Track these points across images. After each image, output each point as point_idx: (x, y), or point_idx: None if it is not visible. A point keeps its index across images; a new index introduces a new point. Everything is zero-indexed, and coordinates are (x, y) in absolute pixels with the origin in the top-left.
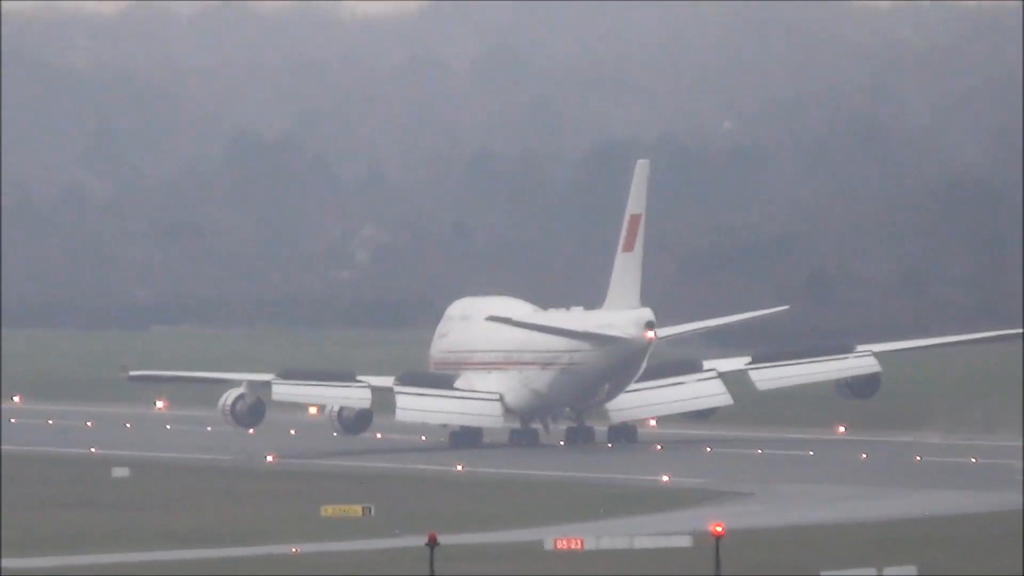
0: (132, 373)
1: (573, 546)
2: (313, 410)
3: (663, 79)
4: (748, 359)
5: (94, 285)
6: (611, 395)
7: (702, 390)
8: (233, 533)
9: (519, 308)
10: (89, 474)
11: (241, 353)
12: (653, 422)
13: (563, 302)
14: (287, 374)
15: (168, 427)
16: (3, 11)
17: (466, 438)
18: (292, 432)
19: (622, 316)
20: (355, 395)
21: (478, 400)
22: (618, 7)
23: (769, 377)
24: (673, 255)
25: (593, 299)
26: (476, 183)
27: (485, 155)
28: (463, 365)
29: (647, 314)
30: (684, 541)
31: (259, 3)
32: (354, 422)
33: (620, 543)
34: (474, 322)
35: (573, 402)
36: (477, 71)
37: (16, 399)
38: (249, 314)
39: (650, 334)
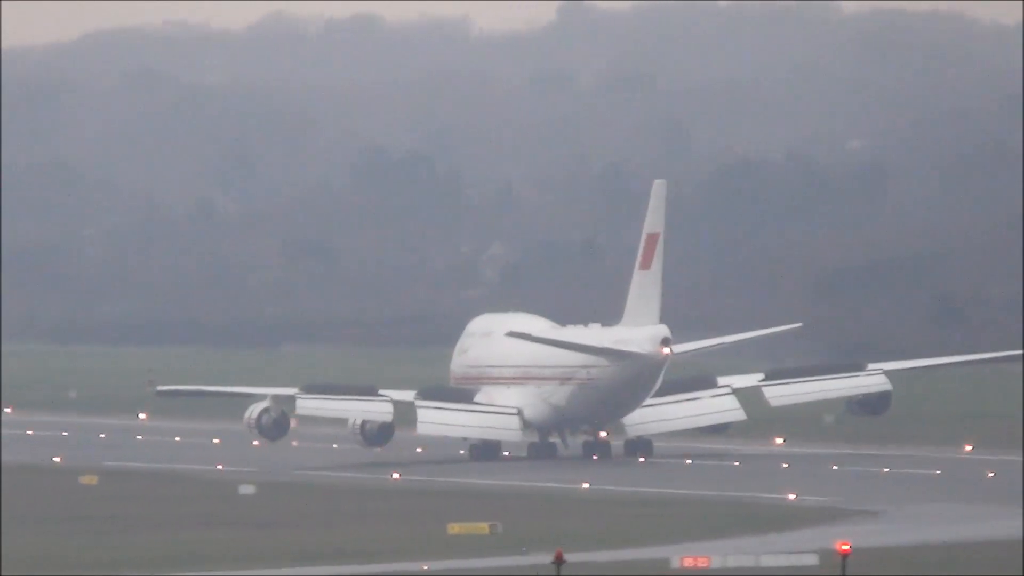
0: (159, 388)
1: (700, 564)
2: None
3: (792, 97)
4: (761, 376)
5: (224, 303)
6: (628, 410)
7: (716, 406)
8: (362, 551)
9: (537, 324)
10: (216, 491)
11: (372, 372)
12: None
13: (691, 323)
14: (310, 388)
15: (295, 444)
16: (135, 29)
17: (486, 451)
18: (419, 450)
19: (639, 332)
20: (377, 409)
21: (497, 414)
22: (747, 25)
23: (782, 394)
24: (804, 272)
25: (721, 318)
26: (605, 201)
27: (614, 172)
28: (483, 380)
29: (663, 331)
30: (811, 559)
31: (388, 19)
32: (376, 435)
33: (746, 561)
34: (494, 338)
35: (591, 416)
36: (605, 87)
37: (143, 416)
38: (378, 333)
39: (666, 350)
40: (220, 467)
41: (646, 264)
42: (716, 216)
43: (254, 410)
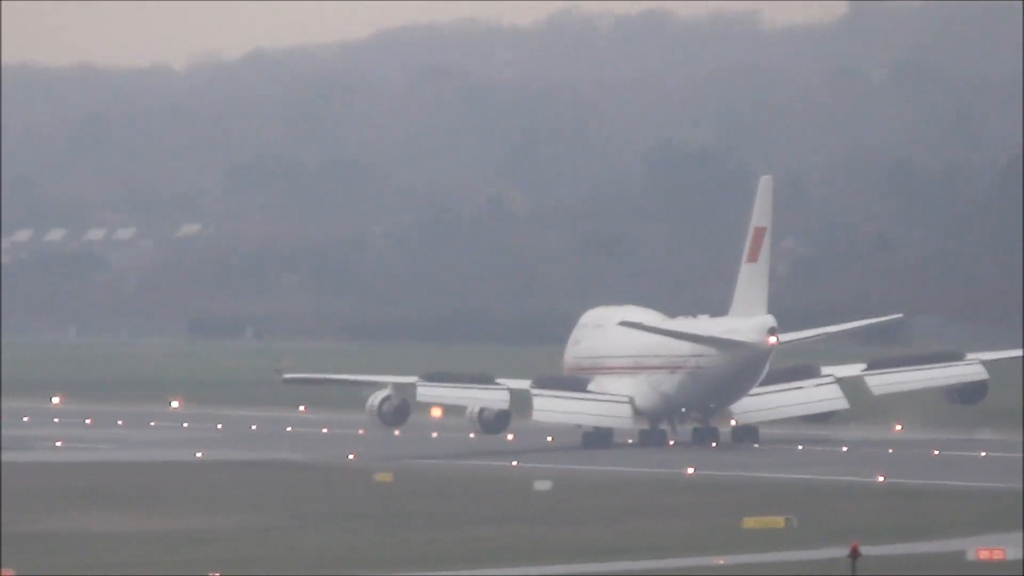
0: (286, 376)
1: (996, 556)
2: (437, 412)
3: None
4: (864, 365)
5: (514, 299)
6: (735, 397)
7: (820, 394)
8: (655, 546)
9: (647, 316)
10: (512, 487)
11: None
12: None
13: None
14: (430, 377)
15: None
16: (425, 27)
17: (598, 438)
18: (713, 445)
19: (747, 322)
20: (494, 397)
21: (609, 402)
22: None
23: (884, 383)
24: None
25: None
26: (897, 194)
27: (906, 166)
28: (596, 370)
29: (770, 320)
30: None
31: (679, 13)
32: (493, 422)
33: None
34: (606, 329)
35: (699, 404)
36: (896, 80)
37: (437, 413)
38: None
39: (772, 339)
40: (514, 463)
41: (753, 257)
42: (1008, 209)
43: (376, 398)
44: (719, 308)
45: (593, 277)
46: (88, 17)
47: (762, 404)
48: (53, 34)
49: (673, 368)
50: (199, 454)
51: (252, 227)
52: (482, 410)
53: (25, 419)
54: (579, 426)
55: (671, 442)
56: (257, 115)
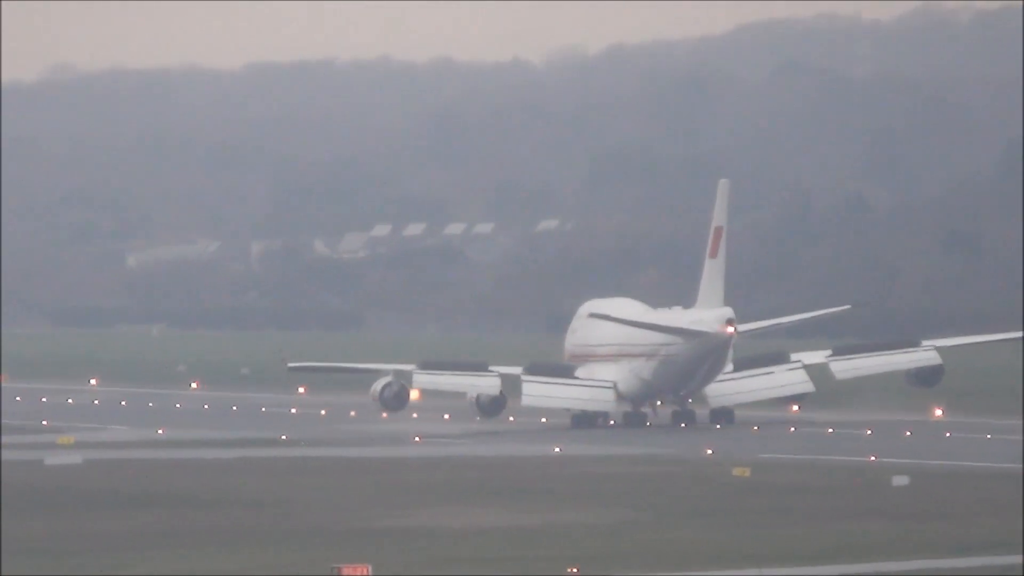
0: (290, 364)
1: None
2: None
3: None
4: (829, 352)
5: (876, 296)
6: (704, 382)
7: (789, 379)
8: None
9: (633, 308)
10: (870, 481)
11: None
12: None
13: None
14: (426, 365)
15: (948, 435)
16: (785, 22)
17: (585, 420)
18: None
19: (708, 314)
20: (485, 383)
21: (594, 387)
22: None
23: (847, 368)
24: None
25: None
26: None
27: None
28: (588, 358)
29: (728, 312)
30: None
31: None
32: (489, 406)
33: None
34: (596, 320)
35: (673, 388)
36: None
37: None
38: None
39: (730, 329)
40: (873, 456)
41: (714, 253)
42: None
43: (378, 384)
44: None
45: (953, 274)
46: (448, 11)
47: (737, 388)
48: (412, 29)
49: (649, 356)
50: (557, 449)
51: (611, 222)
52: (479, 395)
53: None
54: (568, 410)
55: (648, 424)
56: (616, 110)
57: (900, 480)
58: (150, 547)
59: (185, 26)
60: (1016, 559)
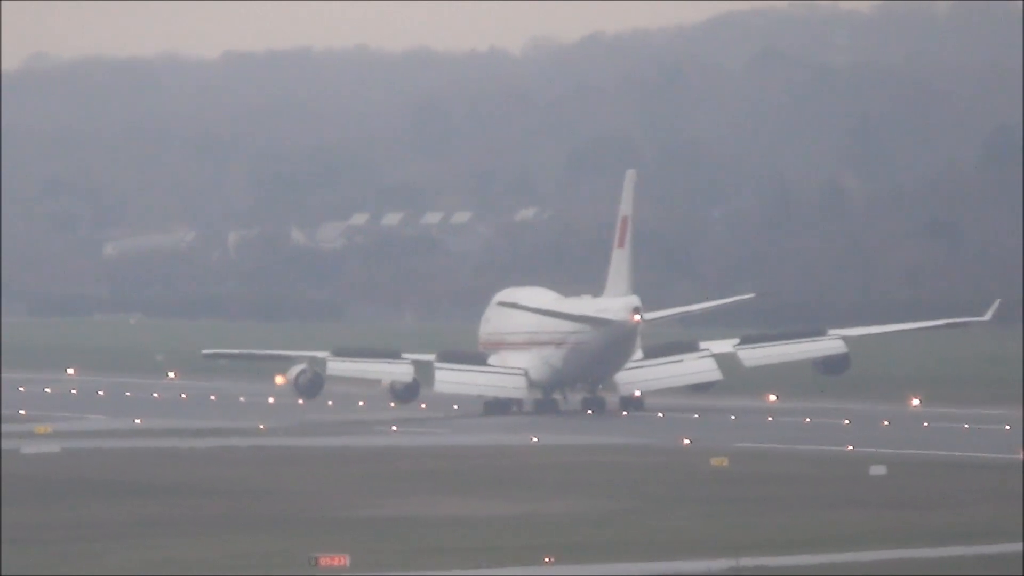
0: (204, 352)
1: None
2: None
3: None
4: (736, 341)
5: (853, 285)
6: (613, 369)
7: (698, 367)
8: (997, 530)
9: (545, 296)
10: (847, 472)
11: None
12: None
13: None
14: (340, 352)
15: (926, 424)
16: (761, 10)
17: (497, 407)
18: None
19: (615, 302)
20: (399, 370)
21: (506, 374)
22: None
23: (754, 356)
24: None
25: None
26: None
27: None
28: (501, 346)
29: (634, 300)
30: None
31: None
32: (403, 393)
33: None
34: (508, 308)
35: (582, 375)
36: None
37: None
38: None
39: (636, 317)
40: (850, 447)
41: (621, 243)
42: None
43: (293, 371)
44: None
45: (930, 263)
46: (424, 1)
47: (646, 375)
48: (388, 18)
49: (558, 343)
50: (534, 439)
51: (589, 211)
52: (393, 382)
53: (361, 404)
54: (480, 396)
55: (560, 408)
56: (595, 99)
57: (877, 469)
58: (127, 535)
59: (163, 15)
60: (995, 548)
